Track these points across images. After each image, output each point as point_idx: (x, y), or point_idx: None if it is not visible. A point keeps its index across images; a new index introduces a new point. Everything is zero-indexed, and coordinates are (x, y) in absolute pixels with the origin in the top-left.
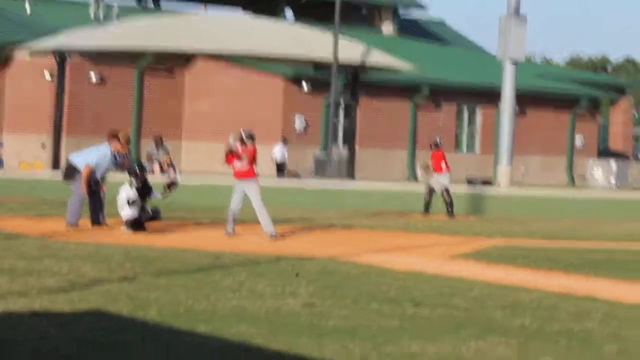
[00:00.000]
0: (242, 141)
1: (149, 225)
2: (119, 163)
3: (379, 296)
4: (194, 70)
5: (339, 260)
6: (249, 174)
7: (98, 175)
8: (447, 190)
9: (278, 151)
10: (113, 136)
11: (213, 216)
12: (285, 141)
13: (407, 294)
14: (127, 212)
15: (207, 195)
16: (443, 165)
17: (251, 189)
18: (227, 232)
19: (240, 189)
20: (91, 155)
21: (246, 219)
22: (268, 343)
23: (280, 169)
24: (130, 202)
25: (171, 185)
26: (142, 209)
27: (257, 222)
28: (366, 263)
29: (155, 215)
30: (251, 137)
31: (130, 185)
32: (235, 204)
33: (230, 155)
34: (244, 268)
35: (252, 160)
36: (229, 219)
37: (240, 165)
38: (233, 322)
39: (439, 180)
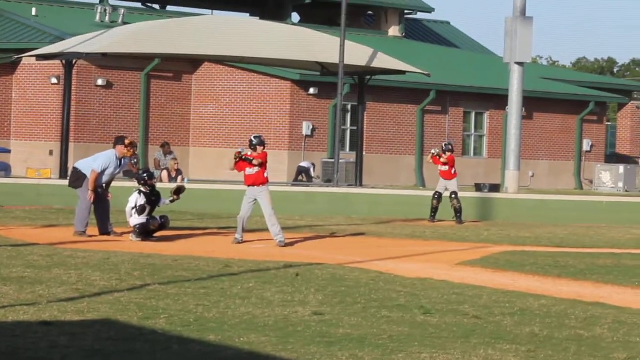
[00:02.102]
0: (252, 147)
1: (158, 233)
2: (124, 167)
3: (388, 303)
4: (201, 75)
5: (347, 267)
6: (260, 179)
7: (104, 181)
8: (455, 194)
9: (305, 164)
10: (118, 141)
11: (221, 223)
12: (313, 165)
13: (416, 301)
14: (136, 220)
15: (216, 202)
16: (453, 171)
17: (262, 195)
18: (236, 239)
19: (252, 196)
20: (98, 161)
21: (255, 226)
22: (278, 352)
23: (300, 175)
24: (139, 210)
25: (179, 190)
26: (151, 217)
27: (266, 229)
28: (375, 270)
29: (164, 223)
30: (262, 142)
31: (139, 193)
32: (245, 210)
33: (241, 161)
34: (252, 275)
35: (264, 165)
36: (238, 226)
37: (251, 171)
38: (243, 330)
39: (447, 187)
